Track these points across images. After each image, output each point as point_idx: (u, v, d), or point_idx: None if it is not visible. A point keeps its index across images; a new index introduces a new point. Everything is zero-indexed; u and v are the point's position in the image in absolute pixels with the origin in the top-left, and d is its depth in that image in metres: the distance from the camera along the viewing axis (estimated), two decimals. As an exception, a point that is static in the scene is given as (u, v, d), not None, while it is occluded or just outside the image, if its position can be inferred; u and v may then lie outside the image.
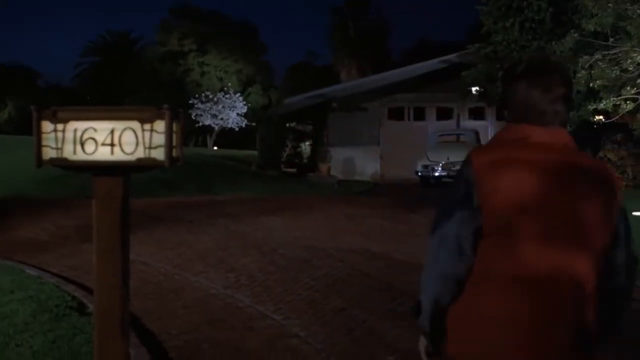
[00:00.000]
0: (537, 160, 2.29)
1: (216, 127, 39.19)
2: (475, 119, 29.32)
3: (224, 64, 43.89)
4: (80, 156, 2.55)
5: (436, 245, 2.35)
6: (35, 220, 12.57)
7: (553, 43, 13.96)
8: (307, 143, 34.79)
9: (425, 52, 44.04)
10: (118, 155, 2.55)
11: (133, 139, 2.55)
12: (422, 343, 2.51)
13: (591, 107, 12.74)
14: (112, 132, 2.54)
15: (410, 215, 14.24)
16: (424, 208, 15.68)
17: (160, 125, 2.55)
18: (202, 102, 37.79)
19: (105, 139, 2.54)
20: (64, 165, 2.57)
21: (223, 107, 37.89)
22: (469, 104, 27.68)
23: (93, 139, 2.54)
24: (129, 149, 2.55)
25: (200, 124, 38.41)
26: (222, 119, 38.11)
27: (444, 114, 29.68)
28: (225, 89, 39.16)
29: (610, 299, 2.40)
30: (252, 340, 6.25)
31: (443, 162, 22.38)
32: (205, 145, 43.14)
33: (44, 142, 2.54)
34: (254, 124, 37.84)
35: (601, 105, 12.32)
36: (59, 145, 2.54)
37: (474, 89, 23.93)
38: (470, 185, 2.30)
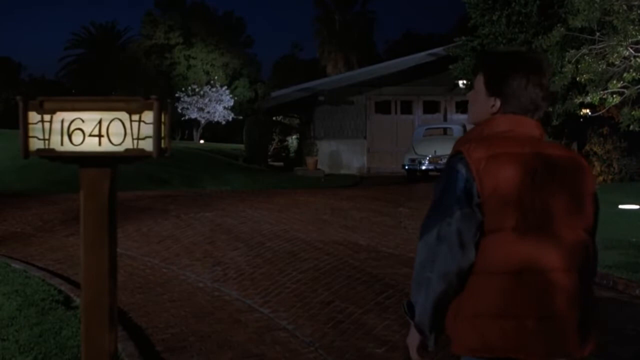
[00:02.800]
0: (530, 155, 2.42)
1: (202, 121, 39.14)
2: (462, 112, 29.33)
3: (211, 57, 43.82)
4: (67, 147, 2.52)
5: (434, 244, 2.38)
6: (20, 214, 12.50)
7: (539, 37, 13.97)
8: (294, 137, 34.78)
9: (411, 44, 44.12)
10: (106, 146, 2.53)
11: (121, 130, 2.53)
12: (414, 339, 2.50)
13: (577, 100, 12.78)
14: (99, 122, 2.52)
15: (397, 208, 14.23)
16: (410, 201, 15.69)
17: (148, 115, 2.52)
18: (188, 96, 37.71)
19: (92, 130, 2.52)
20: (51, 156, 2.54)
21: (209, 100, 37.85)
22: (456, 97, 27.69)
23: (80, 129, 2.52)
24: (117, 139, 2.53)
25: (187, 117, 38.35)
26: (208, 112, 38.06)
27: (431, 108, 29.67)
28: (212, 82, 39.11)
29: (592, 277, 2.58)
30: (239, 333, 6.24)
31: (430, 156, 22.37)
32: (191, 138, 43.09)
33: (30, 133, 2.51)
34: (240, 117, 37.79)
35: (587, 99, 12.34)
36: (46, 136, 2.51)
37: (461, 82, 23.92)
38: (468, 181, 2.37)
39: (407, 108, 29.73)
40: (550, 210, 2.39)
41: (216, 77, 40.04)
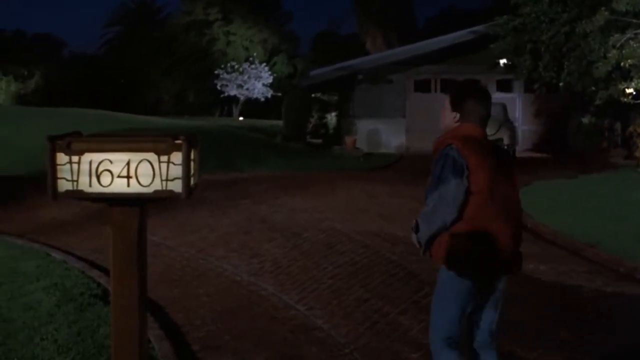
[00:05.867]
0: (485, 145, 3.93)
1: (242, 98, 39.24)
2: (503, 91, 28.93)
3: (249, 33, 43.77)
4: (96, 188, 2.50)
5: (437, 202, 3.80)
6: (58, 200, 12.61)
7: (583, 21, 13.65)
8: (333, 114, 34.67)
9: (451, 20, 43.52)
10: (134, 188, 2.50)
11: (150, 171, 2.49)
12: (415, 239, 4.00)
13: (622, 87, 12.50)
14: (128, 163, 2.49)
15: (435, 194, 14.11)
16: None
17: (177, 157, 2.49)
18: (227, 73, 37.75)
19: (121, 171, 2.49)
20: (79, 197, 2.52)
21: (249, 77, 37.87)
22: (497, 75, 27.25)
23: (109, 170, 2.49)
24: (145, 181, 2.50)
25: (226, 94, 38.45)
26: (247, 89, 38.10)
27: (470, 86, 29.30)
28: (251, 59, 39.09)
29: None
30: (275, 332, 6.23)
31: (469, 137, 22.12)
32: (230, 114, 43.20)
33: (58, 175, 2.49)
34: (279, 94, 37.77)
35: (632, 85, 12.07)
36: (74, 178, 2.49)
37: (501, 61, 23.54)
38: (460, 161, 3.76)
39: (447, 87, 29.32)
40: (504, 178, 3.90)
41: (255, 54, 39.97)
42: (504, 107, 23.98)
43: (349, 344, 5.92)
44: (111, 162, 2.48)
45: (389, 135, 28.43)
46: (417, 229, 3.94)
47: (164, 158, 2.48)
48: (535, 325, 6.42)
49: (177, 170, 2.49)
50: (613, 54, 11.95)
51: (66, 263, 8.24)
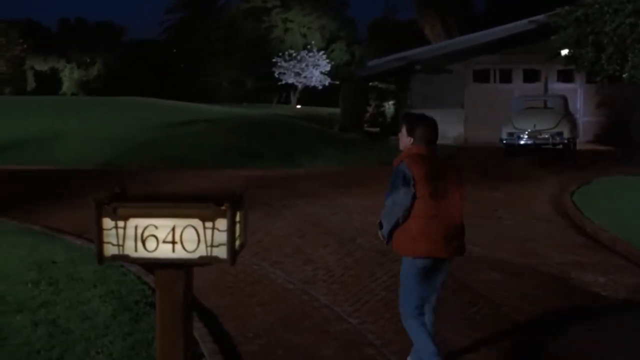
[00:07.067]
0: (431, 162, 5.10)
1: (299, 85, 39.34)
2: (563, 81, 28.38)
3: (308, 20, 43.80)
4: (141, 253, 2.51)
5: (391, 205, 5.04)
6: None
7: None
8: (390, 102, 34.49)
9: (510, 6, 42.72)
10: (180, 253, 2.50)
11: (195, 237, 2.50)
12: (380, 234, 5.29)
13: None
14: (173, 229, 2.49)
15: (492, 193, 13.89)
16: (508, 183, 15.28)
17: (222, 223, 2.48)
18: (285, 61, 37.86)
19: (166, 237, 2.49)
20: (125, 261, 2.53)
21: (306, 65, 37.93)
22: (558, 65, 26.69)
23: (154, 236, 2.50)
24: (190, 246, 2.50)
25: (284, 82, 38.60)
26: (305, 77, 38.18)
27: (530, 77, 28.79)
28: (309, 46, 39.13)
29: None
30: (327, 347, 6.21)
31: (529, 130, 21.69)
32: (288, 101, 43.33)
33: (105, 239, 2.51)
34: (337, 82, 37.77)
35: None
36: (120, 242, 2.51)
37: (563, 52, 23.00)
38: (408, 175, 4.95)
39: (506, 77, 28.97)
40: (445, 185, 5.07)
41: (313, 42, 39.98)
42: (565, 100, 23.49)
43: (399, 362, 5.87)
44: (156, 227, 2.49)
45: (447, 126, 28.01)
46: (381, 226, 5.23)
47: (208, 224, 2.48)
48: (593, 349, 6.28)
49: (222, 237, 2.48)
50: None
51: (123, 267, 8.31)
